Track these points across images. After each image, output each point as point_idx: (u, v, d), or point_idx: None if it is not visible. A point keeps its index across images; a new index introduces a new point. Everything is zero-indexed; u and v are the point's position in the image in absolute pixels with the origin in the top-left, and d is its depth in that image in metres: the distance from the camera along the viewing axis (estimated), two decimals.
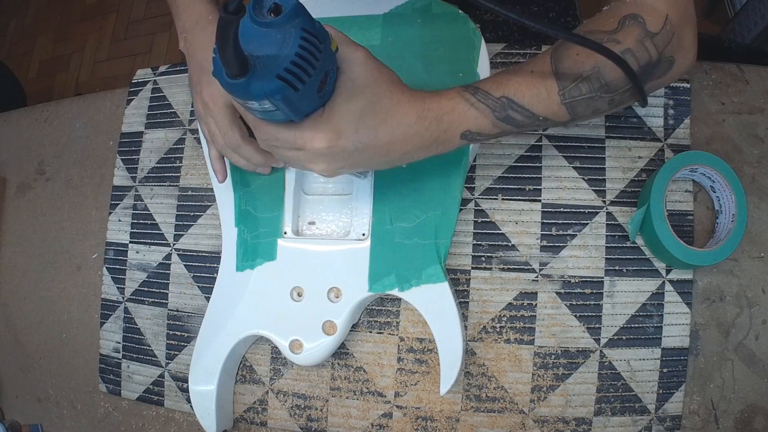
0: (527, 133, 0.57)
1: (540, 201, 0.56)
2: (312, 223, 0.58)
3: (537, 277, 0.55)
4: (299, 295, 0.56)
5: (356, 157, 0.41)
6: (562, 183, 0.56)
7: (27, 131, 0.77)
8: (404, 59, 0.56)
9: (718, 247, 0.49)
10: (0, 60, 1.57)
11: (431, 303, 0.52)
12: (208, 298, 0.61)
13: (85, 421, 0.66)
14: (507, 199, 0.57)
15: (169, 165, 0.66)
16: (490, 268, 0.56)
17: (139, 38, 1.95)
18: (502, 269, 0.56)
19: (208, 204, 0.64)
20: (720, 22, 1.47)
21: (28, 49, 2.09)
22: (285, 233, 0.57)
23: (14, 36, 2.14)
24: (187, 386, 0.57)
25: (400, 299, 0.56)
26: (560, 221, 0.55)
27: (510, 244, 0.56)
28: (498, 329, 0.55)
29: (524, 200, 0.56)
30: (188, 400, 0.60)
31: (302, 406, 0.59)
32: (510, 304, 0.55)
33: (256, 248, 0.57)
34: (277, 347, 0.56)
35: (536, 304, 0.55)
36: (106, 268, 0.67)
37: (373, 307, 0.58)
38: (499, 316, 0.55)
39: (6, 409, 0.70)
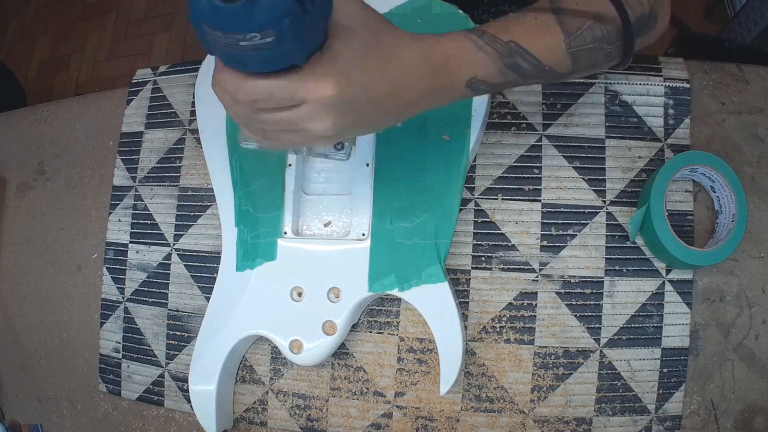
0: (527, 133, 0.57)
1: (540, 201, 0.56)
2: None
3: (537, 277, 0.55)
4: (299, 295, 0.56)
5: (363, 110, 0.36)
6: (562, 183, 0.56)
7: (27, 131, 0.77)
8: None
9: (718, 247, 0.49)
10: (0, 60, 1.57)
11: (431, 303, 0.52)
12: (208, 298, 0.61)
13: (85, 421, 0.66)
14: (507, 199, 0.57)
15: (169, 165, 0.67)
16: (490, 268, 0.56)
17: (139, 38, 1.95)
18: (502, 269, 0.56)
19: (208, 204, 0.64)
20: (720, 22, 1.47)
21: (28, 49, 2.09)
22: (285, 233, 0.57)
23: (14, 36, 2.14)
24: (187, 386, 0.57)
25: (400, 299, 0.56)
26: (560, 221, 0.55)
27: (510, 244, 0.56)
28: (498, 329, 0.55)
29: (524, 200, 0.56)
30: (188, 400, 0.60)
31: (302, 406, 0.59)
32: (510, 304, 0.55)
33: (256, 248, 0.57)
34: (277, 347, 0.56)
35: (536, 304, 0.55)
36: (106, 268, 0.67)
37: (373, 307, 0.58)
38: (499, 316, 0.55)
39: (6, 409, 0.70)
